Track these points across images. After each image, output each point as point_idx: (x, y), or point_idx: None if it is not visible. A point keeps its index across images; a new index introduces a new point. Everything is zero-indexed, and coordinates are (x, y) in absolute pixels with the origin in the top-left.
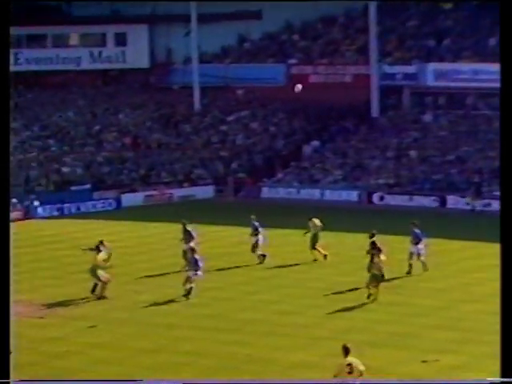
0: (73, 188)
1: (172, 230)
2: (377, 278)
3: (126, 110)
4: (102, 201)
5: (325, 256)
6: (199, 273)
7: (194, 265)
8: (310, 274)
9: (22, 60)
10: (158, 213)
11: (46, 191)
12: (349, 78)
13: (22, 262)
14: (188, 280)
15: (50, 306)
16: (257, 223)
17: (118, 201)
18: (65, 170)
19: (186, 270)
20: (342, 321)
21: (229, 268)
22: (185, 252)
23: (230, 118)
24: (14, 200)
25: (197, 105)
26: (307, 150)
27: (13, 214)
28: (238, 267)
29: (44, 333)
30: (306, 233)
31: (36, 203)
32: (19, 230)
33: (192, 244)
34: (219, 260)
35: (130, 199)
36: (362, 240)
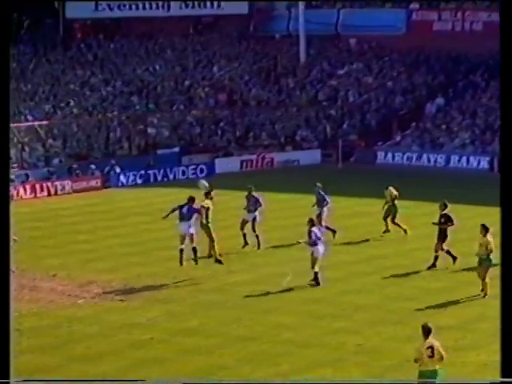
0: (159, 152)
1: (271, 200)
2: (484, 264)
3: (221, 62)
4: (192, 166)
5: (405, 231)
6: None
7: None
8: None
9: (104, 6)
10: (257, 180)
11: (129, 156)
12: (479, 25)
13: (99, 238)
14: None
15: (131, 287)
16: (323, 192)
17: (211, 166)
18: (150, 131)
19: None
20: (469, 308)
21: (335, 244)
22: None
23: (341, 72)
24: (92, 166)
25: (302, 56)
26: (430, 108)
27: (90, 182)
28: (348, 243)
29: (124, 318)
30: (386, 203)
31: (117, 169)
32: (97, 201)
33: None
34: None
35: (224, 164)
36: (493, 216)
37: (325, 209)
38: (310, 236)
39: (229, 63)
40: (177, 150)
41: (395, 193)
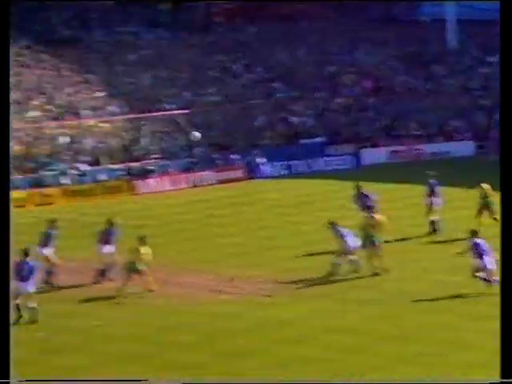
0: (302, 141)
1: (419, 194)
2: None
3: (366, 47)
4: (336, 157)
5: None
6: None
7: None
8: None
9: None
10: (405, 172)
11: (272, 145)
12: None
13: (243, 231)
14: None
15: (278, 282)
16: (435, 182)
17: (357, 157)
18: (293, 119)
19: None
20: None
21: None
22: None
23: (493, 59)
24: (234, 156)
25: (452, 41)
26: None
27: (233, 173)
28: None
29: (271, 314)
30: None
31: (260, 160)
32: (240, 193)
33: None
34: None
35: (370, 155)
36: None
37: (434, 199)
38: (474, 248)
39: (374, 48)
40: (321, 139)
41: (486, 187)
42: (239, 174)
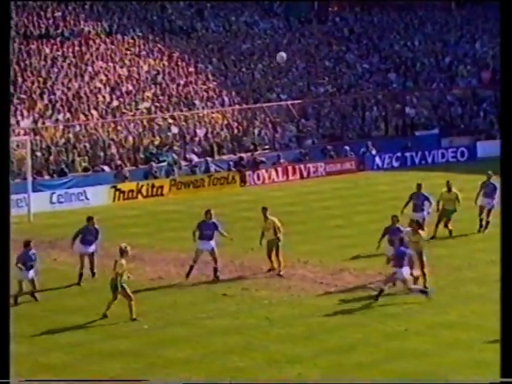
0: (417, 133)
1: None
2: None
3: (484, 37)
4: (452, 149)
5: None
6: None
7: None
8: None
9: None
10: None
11: (385, 137)
12: None
13: (353, 223)
14: None
15: (386, 275)
16: (495, 183)
17: (473, 149)
18: (408, 110)
19: None
20: None
21: None
22: None
23: None
24: (346, 147)
25: None
26: None
27: (344, 165)
28: None
29: (378, 308)
30: None
31: (373, 151)
32: (351, 185)
33: None
34: None
35: (487, 148)
36: None
37: (490, 200)
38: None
39: (492, 39)
40: (436, 131)
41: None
42: (351, 165)
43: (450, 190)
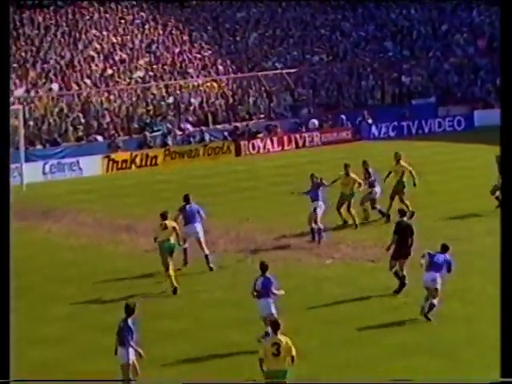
0: (414, 102)
1: None
2: None
3: (481, 5)
4: (449, 118)
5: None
6: None
7: None
8: None
9: None
10: None
11: (382, 106)
12: None
13: None
14: None
15: (384, 247)
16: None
17: (470, 118)
18: (404, 79)
19: None
20: None
21: None
22: None
23: None
24: (342, 117)
25: None
26: None
27: (340, 134)
28: None
29: (374, 280)
30: None
31: (369, 121)
32: (347, 155)
33: None
34: None
35: (484, 117)
36: None
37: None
38: None
39: (489, 7)
40: (433, 100)
41: None
42: (347, 135)
43: (398, 162)
